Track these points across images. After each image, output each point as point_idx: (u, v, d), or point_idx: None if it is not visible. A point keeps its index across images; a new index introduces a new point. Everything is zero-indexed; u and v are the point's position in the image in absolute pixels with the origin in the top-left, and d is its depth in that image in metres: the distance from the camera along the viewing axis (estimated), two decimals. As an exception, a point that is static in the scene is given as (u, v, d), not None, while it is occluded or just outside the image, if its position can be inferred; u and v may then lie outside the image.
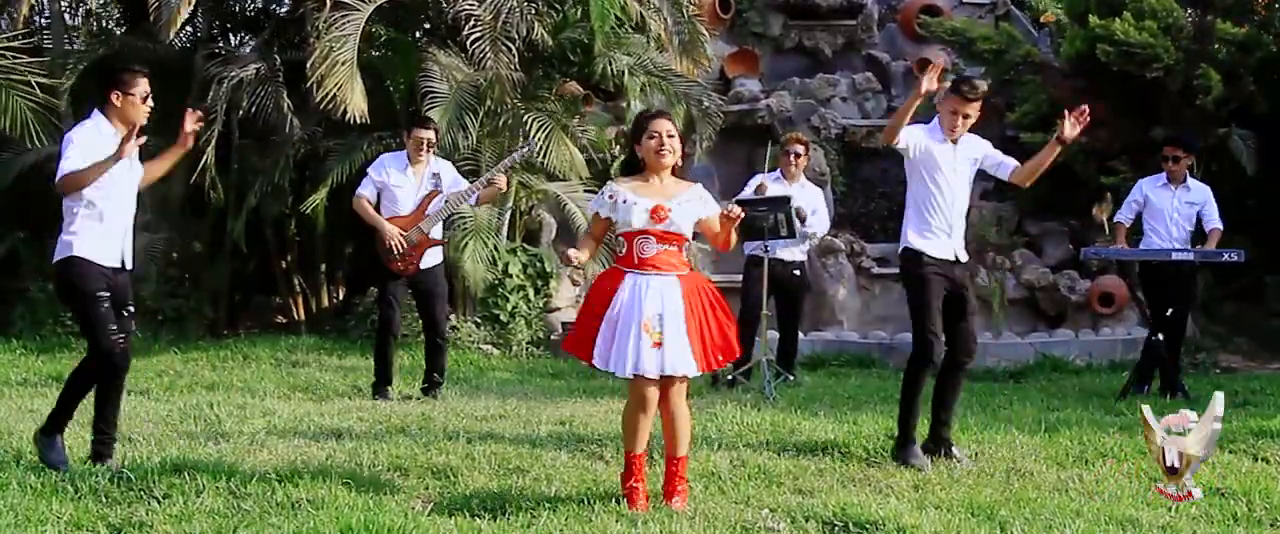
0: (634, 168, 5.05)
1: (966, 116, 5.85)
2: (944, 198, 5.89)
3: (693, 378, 4.98)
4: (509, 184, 10.51)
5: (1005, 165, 6.03)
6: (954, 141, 5.91)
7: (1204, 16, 11.25)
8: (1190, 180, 8.49)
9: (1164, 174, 8.49)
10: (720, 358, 4.98)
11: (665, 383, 4.87)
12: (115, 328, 5.42)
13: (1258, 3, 11.44)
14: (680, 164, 5.06)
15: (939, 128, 5.95)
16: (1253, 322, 11.60)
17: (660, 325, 4.80)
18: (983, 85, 6.02)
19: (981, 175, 6.26)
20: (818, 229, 8.96)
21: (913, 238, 5.90)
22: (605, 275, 5.02)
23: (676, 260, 4.93)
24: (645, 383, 4.83)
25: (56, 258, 5.49)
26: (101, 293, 5.39)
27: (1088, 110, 5.81)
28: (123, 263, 5.53)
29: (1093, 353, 10.49)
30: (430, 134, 7.93)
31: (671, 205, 4.89)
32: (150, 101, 5.50)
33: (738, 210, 4.89)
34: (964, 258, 5.99)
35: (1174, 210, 8.39)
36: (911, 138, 5.85)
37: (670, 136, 4.93)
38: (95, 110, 5.53)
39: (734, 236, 5.05)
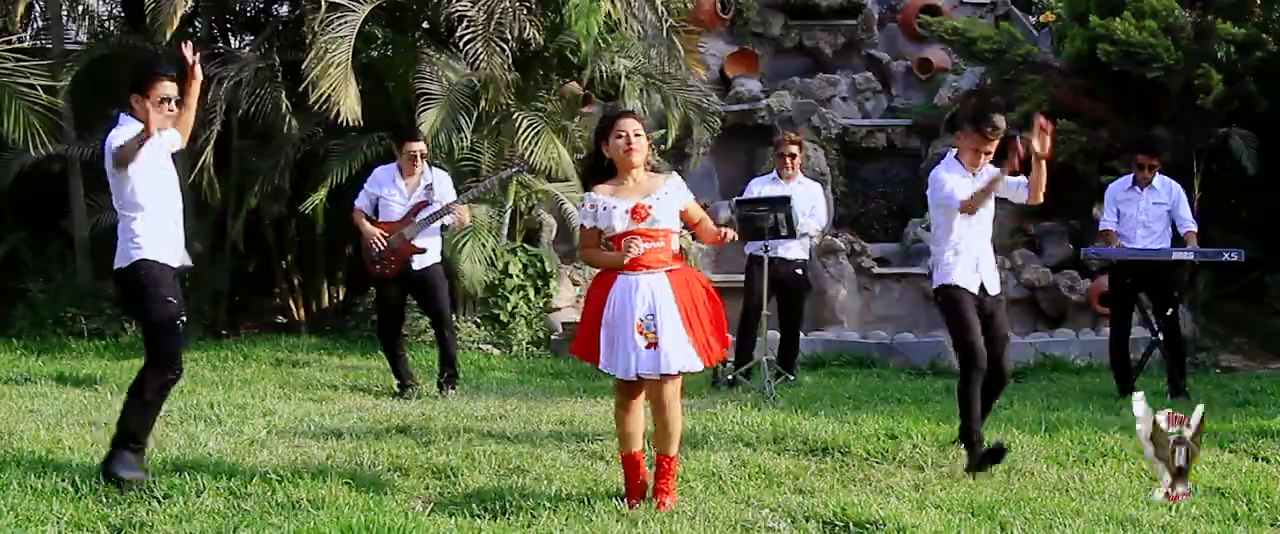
0: (602, 170, 5.02)
1: (987, 153, 5.90)
2: (970, 231, 5.91)
3: (693, 378, 4.98)
4: (508, 188, 10.52)
5: (1022, 185, 5.96)
6: (974, 174, 5.94)
7: (1204, 16, 11.24)
8: (1158, 180, 8.34)
9: (1131, 176, 8.43)
10: (717, 350, 4.97)
11: (659, 379, 4.86)
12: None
13: (1256, 4, 11.43)
14: (651, 161, 5.08)
15: (957, 163, 5.98)
16: (1253, 322, 11.58)
17: (652, 325, 4.81)
18: (1002, 121, 5.96)
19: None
20: (816, 226, 8.98)
21: (949, 272, 5.89)
22: (598, 279, 5.02)
23: (665, 256, 4.93)
24: (628, 383, 4.85)
25: (120, 265, 5.26)
26: (169, 298, 5.18)
27: (1045, 124, 5.79)
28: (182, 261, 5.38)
29: (1093, 353, 10.46)
30: (420, 146, 8.22)
31: (651, 201, 4.90)
32: (172, 105, 5.26)
33: (731, 234, 5.03)
34: (993, 291, 5.98)
35: (1140, 213, 8.31)
36: (952, 187, 5.86)
37: (637, 135, 4.93)
38: (122, 114, 5.28)
39: (731, 233, 5.09)
